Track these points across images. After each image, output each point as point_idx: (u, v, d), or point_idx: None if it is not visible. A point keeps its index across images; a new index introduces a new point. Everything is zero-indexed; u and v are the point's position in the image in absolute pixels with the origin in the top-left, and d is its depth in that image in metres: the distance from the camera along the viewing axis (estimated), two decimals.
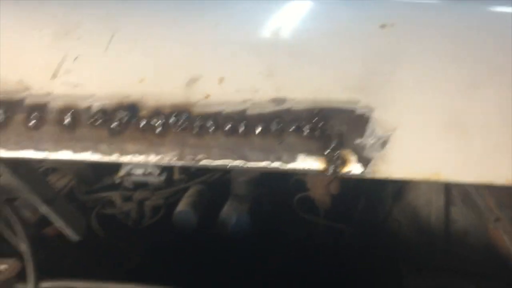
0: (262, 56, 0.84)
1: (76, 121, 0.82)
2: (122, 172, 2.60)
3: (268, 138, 0.78)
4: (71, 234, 1.20)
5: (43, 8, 0.94)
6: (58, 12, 0.92)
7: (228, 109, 0.80)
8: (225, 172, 2.91)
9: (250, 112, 0.79)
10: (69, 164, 2.29)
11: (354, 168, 0.76)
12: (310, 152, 0.77)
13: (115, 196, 2.78)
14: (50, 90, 0.83)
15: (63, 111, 0.82)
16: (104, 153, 0.81)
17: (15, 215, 1.12)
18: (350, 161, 0.76)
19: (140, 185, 2.82)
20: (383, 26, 0.85)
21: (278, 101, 0.79)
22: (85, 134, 0.81)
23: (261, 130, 0.78)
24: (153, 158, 0.80)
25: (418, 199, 3.01)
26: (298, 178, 3.03)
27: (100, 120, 0.81)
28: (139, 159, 0.80)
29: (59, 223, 1.18)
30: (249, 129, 0.79)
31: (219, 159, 0.79)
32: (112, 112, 0.81)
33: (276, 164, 0.78)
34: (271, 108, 0.79)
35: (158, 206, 2.78)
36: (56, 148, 0.81)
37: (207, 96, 0.81)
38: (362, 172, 0.75)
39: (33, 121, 0.82)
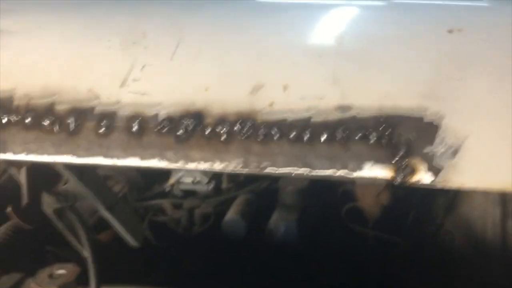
0: (327, 63, 0.83)
1: (143, 128, 0.84)
2: (172, 180, 2.64)
3: (333, 146, 0.78)
4: (130, 240, 1.23)
5: (110, 18, 0.98)
6: (124, 22, 0.96)
7: (292, 116, 0.80)
8: (273, 181, 2.90)
9: (315, 119, 0.79)
10: (121, 171, 2.34)
11: (423, 177, 0.74)
12: (377, 160, 0.76)
13: (166, 203, 2.83)
14: (119, 98, 0.85)
15: (131, 119, 0.84)
16: (170, 160, 0.82)
17: (79, 221, 1.16)
18: (419, 170, 0.74)
19: (189, 193, 2.86)
20: (450, 31, 0.83)
21: (344, 108, 0.78)
22: (152, 141, 0.83)
23: (327, 137, 0.78)
24: (218, 166, 0.80)
25: (472, 212, 2.90)
26: (347, 188, 2.98)
27: (167, 128, 0.83)
28: (204, 166, 0.81)
29: (120, 229, 1.20)
30: (314, 137, 0.78)
31: (284, 167, 0.79)
32: (178, 120, 0.83)
33: (342, 172, 0.77)
34: (336, 115, 0.78)
35: (207, 214, 2.80)
36: (124, 155, 0.83)
37: (271, 104, 0.81)
38: (432, 181, 0.73)
39: (103, 129, 0.84)
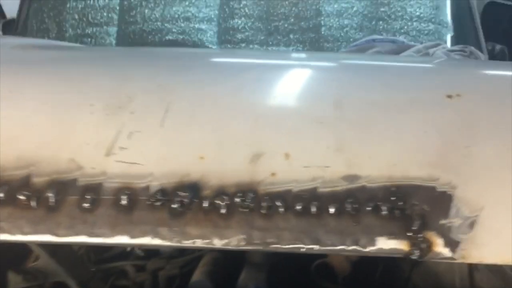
0: (328, 130, 0.80)
1: (133, 202, 0.76)
2: None
3: (343, 219, 0.73)
4: None
5: (92, 81, 0.91)
6: (107, 84, 0.89)
7: (297, 187, 0.75)
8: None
9: (321, 190, 0.74)
10: None
11: (441, 251, 0.70)
12: (390, 234, 0.71)
13: (128, 266, 2.68)
14: (105, 169, 0.78)
15: (119, 191, 0.77)
16: (164, 238, 0.75)
17: None
18: (436, 244, 0.70)
19: (151, 253, 2.72)
20: (449, 96, 0.82)
21: (351, 178, 0.74)
22: (144, 217, 0.76)
23: (335, 210, 0.73)
24: (218, 243, 0.74)
25: (438, 265, 2.91)
26: None
27: (160, 202, 0.76)
28: (203, 244, 0.74)
29: None
30: (322, 210, 0.73)
31: (291, 243, 0.73)
32: (172, 192, 0.76)
33: (353, 248, 0.72)
34: (344, 186, 0.74)
35: (173, 276, 2.67)
36: (112, 233, 0.75)
37: (273, 174, 0.76)
38: (451, 256, 0.69)
39: (87, 203, 0.76)
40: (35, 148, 0.80)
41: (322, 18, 2.54)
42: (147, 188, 0.77)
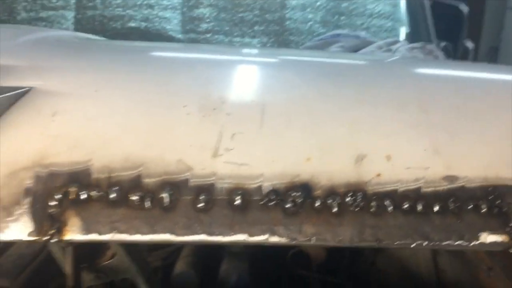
0: (422, 133, 0.86)
1: (247, 202, 0.79)
2: None
3: (447, 217, 0.79)
4: None
5: (179, 81, 0.92)
6: (196, 86, 0.90)
7: (402, 187, 0.81)
8: None
9: (424, 190, 0.80)
10: None
11: None
12: (491, 229, 0.79)
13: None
14: (214, 170, 0.80)
15: (232, 192, 0.79)
16: (281, 236, 0.78)
17: None
18: None
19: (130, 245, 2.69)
20: None
21: (451, 179, 0.81)
22: (259, 216, 0.79)
23: (439, 208, 0.80)
24: (332, 240, 0.78)
25: (402, 251, 3.09)
26: None
27: (273, 202, 0.79)
28: (318, 242, 0.78)
29: None
30: (427, 208, 0.80)
31: (401, 239, 0.79)
32: (285, 192, 0.79)
33: (458, 243, 0.78)
34: (445, 186, 0.81)
35: (155, 268, 2.66)
36: (230, 232, 0.78)
37: (378, 175, 0.81)
38: None
39: (202, 204, 0.78)
40: (140, 149, 0.81)
41: (287, 11, 2.60)
42: (259, 188, 0.79)
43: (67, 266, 0.89)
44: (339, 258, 3.16)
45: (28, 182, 0.77)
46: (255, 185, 0.80)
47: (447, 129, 0.87)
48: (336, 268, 3.15)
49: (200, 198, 0.78)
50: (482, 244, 0.78)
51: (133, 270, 1.00)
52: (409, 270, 2.91)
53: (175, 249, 2.71)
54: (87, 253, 0.95)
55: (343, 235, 0.78)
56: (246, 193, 0.79)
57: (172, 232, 0.77)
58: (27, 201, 0.76)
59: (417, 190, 0.80)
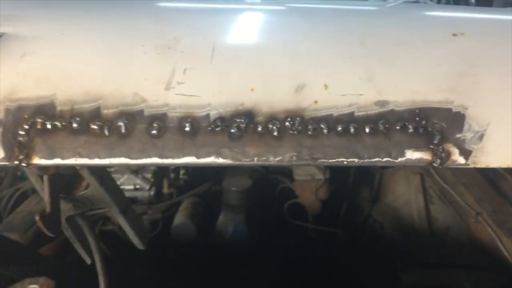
0: (358, 64, 0.93)
1: (195, 129, 0.88)
2: None
3: (377, 137, 0.88)
4: (137, 243, 1.24)
5: (137, 24, 0.99)
6: (152, 27, 0.98)
7: (337, 112, 0.89)
8: (215, 183, 2.97)
9: (357, 114, 0.89)
10: None
11: (457, 159, 0.86)
12: (416, 147, 0.87)
13: (110, 212, 2.78)
14: (167, 101, 0.88)
15: (183, 119, 0.88)
16: (226, 157, 0.87)
17: (88, 228, 1.15)
18: (453, 153, 0.87)
19: (130, 200, 2.82)
20: (455, 35, 0.97)
21: (382, 103, 0.89)
22: (206, 140, 0.87)
23: (370, 130, 0.88)
24: (273, 160, 0.87)
25: (396, 201, 3.19)
26: (285, 186, 3.14)
27: (219, 127, 0.87)
28: (260, 162, 0.87)
29: (129, 232, 1.21)
30: (359, 130, 0.88)
31: (335, 157, 0.87)
32: (230, 119, 0.88)
33: (386, 160, 0.87)
34: (376, 109, 0.89)
35: (156, 220, 2.80)
36: (180, 155, 0.87)
37: (316, 102, 0.89)
38: (465, 163, 0.86)
39: (155, 130, 0.87)
40: (100, 84, 0.89)
41: None
42: (207, 116, 0.88)
43: (45, 195, 0.99)
44: (336, 210, 3.28)
45: None
46: (203, 113, 0.88)
47: (382, 59, 0.94)
48: (333, 219, 3.27)
49: (154, 125, 0.87)
50: (408, 160, 0.87)
51: (107, 200, 1.10)
52: (403, 220, 3.02)
53: (173, 203, 2.84)
54: (63, 184, 1.05)
55: (283, 155, 0.87)
56: (195, 121, 0.88)
57: (127, 156, 0.86)
58: None
59: (351, 114, 0.88)
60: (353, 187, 3.35)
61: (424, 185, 3.00)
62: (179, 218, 2.71)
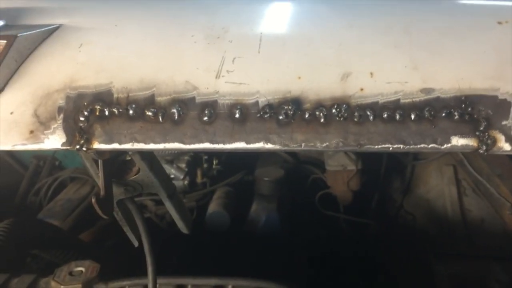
0: (403, 52, 0.95)
1: (245, 115, 0.91)
2: None
3: (422, 124, 0.90)
4: (183, 227, 1.28)
5: (186, 15, 1.03)
6: (202, 18, 1.02)
7: (382, 99, 0.91)
8: (248, 173, 3.01)
9: (403, 101, 0.90)
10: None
11: (503, 146, 0.88)
12: (462, 134, 0.89)
13: (147, 201, 2.86)
14: (217, 88, 0.92)
15: (233, 106, 0.91)
16: (275, 143, 0.90)
17: (137, 212, 1.20)
18: (499, 140, 0.88)
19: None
20: (500, 23, 0.98)
21: (427, 91, 0.91)
22: (256, 126, 0.91)
23: (415, 116, 0.90)
24: (320, 146, 0.90)
25: (429, 193, 3.18)
26: (316, 177, 3.16)
27: (268, 114, 0.91)
28: (307, 147, 0.90)
29: (176, 217, 1.26)
30: (404, 117, 0.90)
31: (381, 143, 0.90)
32: (278, 106, 0.91)
33: (432, 146, 0.89)
34: (421, 97, 0.90)
35: (190, 209, 2.86)
36: (230, 140, 0.90)
37: (361, 89, 0.92)
38: (511, 150, 0.87)
39: (206, 117, 0.91)
40: (153, 73, 0.94)
41: None
42: (256, 103, 0.91)
43: (100, 179, 1.04)
44: (367, 201, 3.29)
45: (61, 102, 0.92)
46: (252, 101, 0.92)
47: (427, 48, 0.95)
48: (364, 210, 3.27)
49: (205, 112, 0.91)
50: (454, 146, 0.88)
51: (156, 185, 1.15)
52: (436, 212, 3.01)
53: (207, 192, 2.90)
54: (116, 169, 1.11)
55: (329, 141, 0.90)
56: (244, 108, 0.91)
57: (181, 141, 0.91)
58: (60, 117, 0.91)
59: (396, 101, 0.90)
60: (385, 178, 3.34)
61: (457, 177, 2.98)
62: (213, 206, 2.76)
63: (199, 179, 2.97)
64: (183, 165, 2.81)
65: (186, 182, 2.87)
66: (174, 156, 2.84)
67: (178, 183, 2.85)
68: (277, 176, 2.89)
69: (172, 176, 2.87)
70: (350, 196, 3.08)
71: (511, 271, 2.24)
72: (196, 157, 2.89)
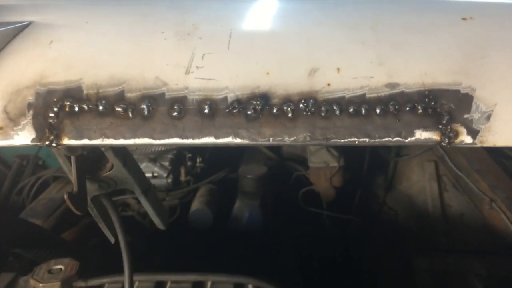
0: (370, 48, 0.97)
1: (214, 110, 0.92)
2: None
3: (387, 118, 0.92)
4: (159, 223, 1.29)
5: (157, 13, 1.04)
6: (172, 16, 1.03)
7: (349, 94, 0.93)
8: (231, 171, 3.03)
9: (368, 96, 0.92)
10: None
11: (465, 139, 0.90)
12: (425, 127, 0.91)
13: (130, 199, 2.86)
14: (186, 84, 0.93)
15: (202, 102, 0.92)
16: (243, 137, 0.92)
17: (112, 208, 1.21)
18: (461, 133, 0.90)
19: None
20: (464, 19, 1.00)
21: (392, 85, 0.93)
22: (224, 121, 0.92)
23: (380, 111, 0.92)
24: (287, 140, 0.91)
25: (411, 189, 3.22)
26: (300, 174, 3.18)
27: (237, 109, 0.92)
28: (275, 142, 0.91)
29: (151, 213, 1.27)
30: (370, 111, 0.92)
31: (347, 137, 0.91)
32: (247, 101, 0.92)
33: (396, 139, 0.91)
34: (386, 91, 0.92)
35: (174, 206, 2.87)
36: (199, 135, 0.92)
37: (328, 84, 0.93)
38: (473, 143, 0.90)
39: (176, 112, 0.92)
40: (124, 69, 0.95)
41: None
42: (225, 99, 0.93)
43: (73, 175, 1.05)
44: (350, 197, 3.31)
45: (31, 98, 0.92)
46: (221, 96, 0.93)
47: (393, 44, 0.97)
48: (347, 206, 3.30)
49: (175, 108, 0.92)
50: (417, 139, 0.90)
51: (130, 181, 1.16)
52: (417, 207, 3.04)
53: (190, 189, 2.91)
54: (89, 165, 1.11)
55: (297, 135, 0.92)
56: (213, 103, 0.93)
57: (151, 136, 0.92)
58: (30, 113, 0.92)
59: (362, 96, 0.92)
60: (367, 174, 3.38)
61: (438, 173, 3.02)
62: (196, 204, 2.77)
63: (182, 177, 2.98)
64: (166, 163, 2.82)
65: (169, 180, 2.88)
66: (158, 154, 2.84)
67: (161, 181, 2.85)
68: (260, 173, 2.91)
69: (155, 174, 2.87)
70: (332, 193, 3.11)
71: (489, 266, 2.28)
72: (179, 155, 2.90)
